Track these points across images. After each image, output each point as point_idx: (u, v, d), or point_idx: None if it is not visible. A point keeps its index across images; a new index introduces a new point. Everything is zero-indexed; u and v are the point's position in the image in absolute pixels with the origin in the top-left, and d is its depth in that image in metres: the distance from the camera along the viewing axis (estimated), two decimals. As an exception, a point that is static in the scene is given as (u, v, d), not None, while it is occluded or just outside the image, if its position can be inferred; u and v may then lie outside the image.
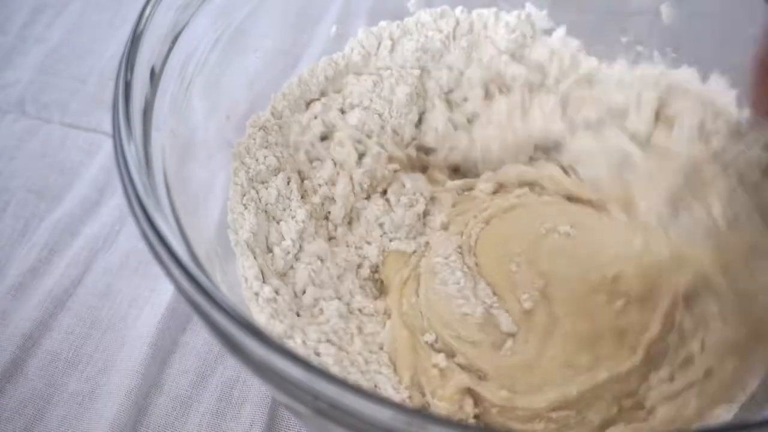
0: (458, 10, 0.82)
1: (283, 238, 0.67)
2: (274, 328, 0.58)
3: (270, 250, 0.66)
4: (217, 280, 0.56)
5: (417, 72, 0.79)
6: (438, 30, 0.82)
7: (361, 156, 0.74)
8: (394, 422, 0.40)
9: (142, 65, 0.56)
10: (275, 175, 0.70)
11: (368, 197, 0.73)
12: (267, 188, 0.69)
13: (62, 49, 0.95)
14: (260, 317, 0.59)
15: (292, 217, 0.68)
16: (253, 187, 0.69)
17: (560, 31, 0.79)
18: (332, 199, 0.71)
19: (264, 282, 0.62)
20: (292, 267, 0.66)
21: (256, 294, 0.61)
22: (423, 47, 0.81)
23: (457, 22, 0.82)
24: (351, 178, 0.72)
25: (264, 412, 0.66)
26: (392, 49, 0.81)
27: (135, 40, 0.56)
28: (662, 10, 0.78)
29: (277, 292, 0.62)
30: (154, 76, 0.58)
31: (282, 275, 0.65)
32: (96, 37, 0.97)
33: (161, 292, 0.73)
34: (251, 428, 0.65)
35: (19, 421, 0.65)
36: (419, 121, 0.79)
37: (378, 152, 0.74)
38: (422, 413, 0.41)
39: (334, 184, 0.71)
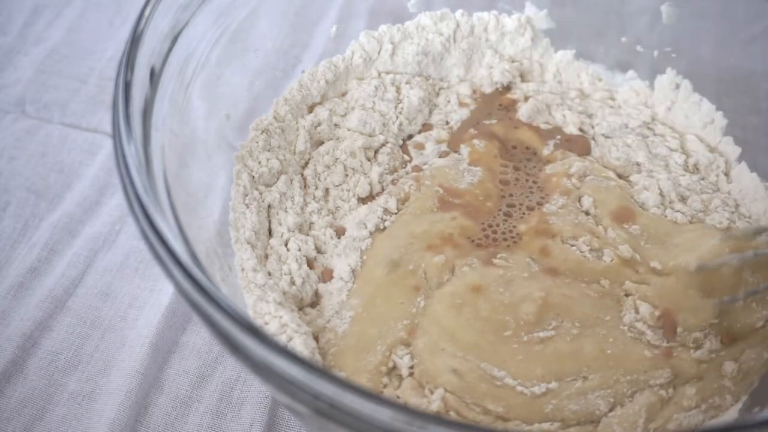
0: (458, 12, 0.83)
1: (282, 230, 0.68)
2: (261, 308, 0.60)
3: (268, 242, 0.68)
4: (217, 280, 0.56)
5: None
6: (438, 33, 0.82)
7: (375, 153, 0.75)
8: (394, 422, 0.40)
9: (142, 65, 0.56)
10: (278, 178, 0.71)
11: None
12: (270, 190, 0.70)
13: (62, 49, 0.95)
14: (249, 300, 0.60)
15: (296, 213, 0.69)
16: (256, 189, 0.69)
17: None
18: (344, 199, 0.72)
19: (258, 271, 0.63)
20: (288, 248, 0.67)
21: (251, 282, 0.62)
22: (424, 50, 0.81)
23: (458, 25, 0.82)
24: (370, 183, 0.73)
25: (264, 412, 0.66)
26: (393, 53, 0.81)
27: (135, 40, 0.56)
28: (662, 10, 0.78)
29: (269, 275, 0.64)
30: (154, 76, 0.58)
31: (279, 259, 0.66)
32: (96, 37, 0.97)
33: (161, 292, 0.73)
34: (251, 428, 0.65)
35: (19, 421, 0.65)
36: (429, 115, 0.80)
37: (391, 147, 0.75)
38: (422, 413, 0.41)
39: (348, 188, 0.72)
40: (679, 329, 0.61)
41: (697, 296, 0.62)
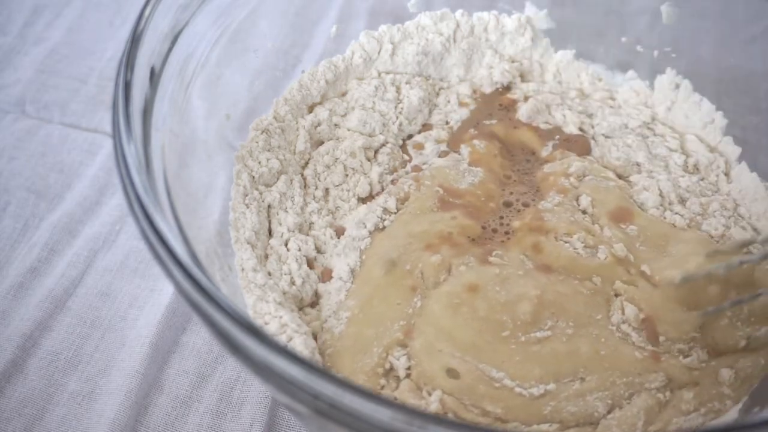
0: (458, 12, 0.83)
1: (282, 230, 0.68)
2: (261, 309, 0.59)
3: (268, 242, 0.67)
4: (217, 280, 0.56)
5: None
6: (438, 33, 0.82)
7: (375, 153, 0.75)
8: (394, 422, 0.40)
9: (142, 65, 0.56)
10: (278, 178, 0.71)
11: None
12: (270, 190, 0.70)
13: (62, 49, 0.95)
14: (249, 300, 0.60)
15: (296, 213, 0.69)
16: (256, 189, 0.69)
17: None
18: (344, 199, 0.72)
19: (258, 271, 0.63)
20: (287, 248, 0.67)
21: (251, 282, 0.62)
22: (424, 50, 0.81)
23: (458, 25, 0.82)
24: (370, 183, 0.72)
25: (264, 412, 0.66)
26: (393, 53, 0.81)
27: (135, 40, 0.56)
28: (662, 10, 0.78)
29: (269, 275, 0.64)
30: (154, 76, 0.58)
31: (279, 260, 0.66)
32: (96, 37, 0.97)
33: (161, 292, 0.73)
34: (251, 428, 0.65)
35: (19, 421, 0.65)
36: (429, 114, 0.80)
37: (391, 148, 0.75)
38: (422, 413, 0.41)
39: (348, 188, 0.72)
40: (661, 338, 0.61)
41: (679, 309, 0.62)
